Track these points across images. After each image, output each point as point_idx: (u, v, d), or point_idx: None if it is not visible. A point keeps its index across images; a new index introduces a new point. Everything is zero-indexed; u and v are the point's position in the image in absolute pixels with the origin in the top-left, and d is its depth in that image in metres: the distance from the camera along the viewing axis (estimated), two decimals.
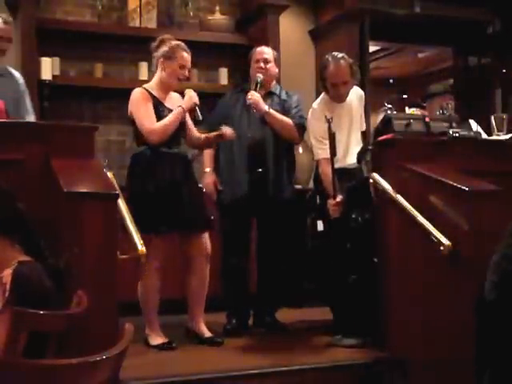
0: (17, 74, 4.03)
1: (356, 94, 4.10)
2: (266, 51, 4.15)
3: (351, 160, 3.89)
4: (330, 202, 3.70)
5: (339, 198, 3.67)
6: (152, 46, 3.79)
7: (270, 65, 4.11)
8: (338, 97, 3.94)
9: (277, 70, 4.19)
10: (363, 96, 4.16)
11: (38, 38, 5.01)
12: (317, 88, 5.46)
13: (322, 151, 3.81)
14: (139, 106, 3.66)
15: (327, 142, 3.68)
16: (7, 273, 2.08)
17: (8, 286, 2.05)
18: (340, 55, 3.90)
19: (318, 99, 4.06)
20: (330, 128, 3.63)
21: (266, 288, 4.14)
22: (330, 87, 3.90)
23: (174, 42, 3.75)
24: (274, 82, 4.22)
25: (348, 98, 4.00)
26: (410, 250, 3.38)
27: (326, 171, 3.76)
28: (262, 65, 4.09)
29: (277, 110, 4.04)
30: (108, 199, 2.66)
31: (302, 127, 4.07)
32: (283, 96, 4.16)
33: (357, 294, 3.64)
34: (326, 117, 3.66)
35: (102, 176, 2.89)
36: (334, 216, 3.71)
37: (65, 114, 5.17)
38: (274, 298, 4.18)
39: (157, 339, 3.63)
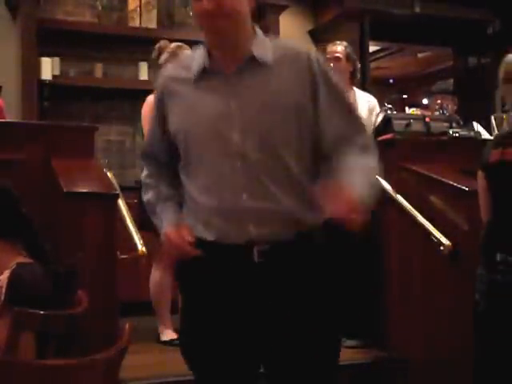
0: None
1: (367, 99, 4.13)
2: None
3: None
4: None
5: None
6: (153, 56, 3.80)
7: None
8: None
9: None
10: (375, 104, 4.14)
11: (38, 38, 5.01)
12: None
13: None
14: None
15: None
16: (4, 276, 2.08)
17: (4, 289, 2.05)
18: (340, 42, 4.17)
19: None
20: None
21: None
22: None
23: (174, 45, 3.75)
24: None
25: (353, 95, 4.07)
26: (410, 250, 3.38)
27: None
28: None
29: None
30: (108, 199, 2.66)
31: None
32: None
33: (357, 294, 3.63)
34: None
35: (102, 176, 2.89)
36: None
37: (65, 114, 5.17)
38: None
39: (168, 335, 3.63)
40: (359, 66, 4.20)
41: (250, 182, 1.72)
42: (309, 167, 1.79)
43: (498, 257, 2.43)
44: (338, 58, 4.06)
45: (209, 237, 1.75)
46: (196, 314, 1.82)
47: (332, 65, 4.07)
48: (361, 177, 1.74)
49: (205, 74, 1.79)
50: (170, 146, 1.87)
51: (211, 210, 1.75)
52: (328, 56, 4.09)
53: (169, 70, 1.98)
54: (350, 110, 1.86)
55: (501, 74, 6.70)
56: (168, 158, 1.91)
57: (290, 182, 1.74)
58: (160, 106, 1.89)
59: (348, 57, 4.07)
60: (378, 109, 4.12)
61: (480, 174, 2.60)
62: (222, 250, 1.75)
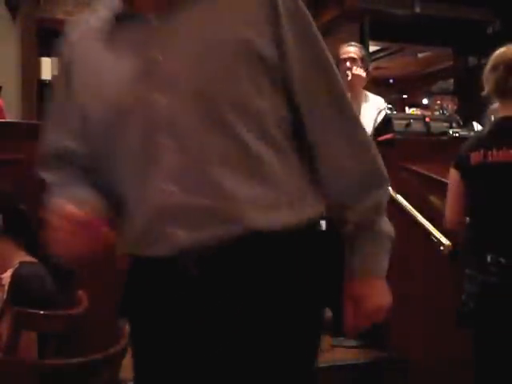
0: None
1: (377, 101, 4.14)
2: None
3: None
4: None
5: None
6: None
7: None
8: (344, 75, 4.02)
9: None
10: (382, 108, 4.15)
11: (38, 38, 5.01)
12: None
13: None
14: None
15: None
16: (7, 274, 2.08)
17: (6, 288, 2.05)
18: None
19: None
20: None
21: None
22: (340, 65, 4.01)
23: None
24: None
25: (365, 97, 4.09)
26: (410, 250, 3.38)
27: None
28: None
29: None
30: None
31: None
32: None
33: None
34: None
35: None
36: None
37: None
38: None
39: None
40: (371, 68, 4.21)
41: (185, 166, 1.15)
42: (279, 142, 1.20)
43: (489, 258, 2.41)
44: (353, 58, 4.05)
45: (135, 250, 1.27)
46: (146, 357, 1.28)
47: (348, 64, 4.06)
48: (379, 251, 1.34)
49: (119, 21, 1.22)
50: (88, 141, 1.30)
51: (136, 212, 1.22)
52: (344, 56, 4.09)
53: (76, 22, 1.35)
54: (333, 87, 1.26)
55: None
56: (89, 158, 1.32)
57: (246, 163, 1.16)
58: (66, 80, 1.35)
59: (363, 58, 4.09)
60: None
61: (454, 172, 2.58)
62: (150, 265, 1.24)
